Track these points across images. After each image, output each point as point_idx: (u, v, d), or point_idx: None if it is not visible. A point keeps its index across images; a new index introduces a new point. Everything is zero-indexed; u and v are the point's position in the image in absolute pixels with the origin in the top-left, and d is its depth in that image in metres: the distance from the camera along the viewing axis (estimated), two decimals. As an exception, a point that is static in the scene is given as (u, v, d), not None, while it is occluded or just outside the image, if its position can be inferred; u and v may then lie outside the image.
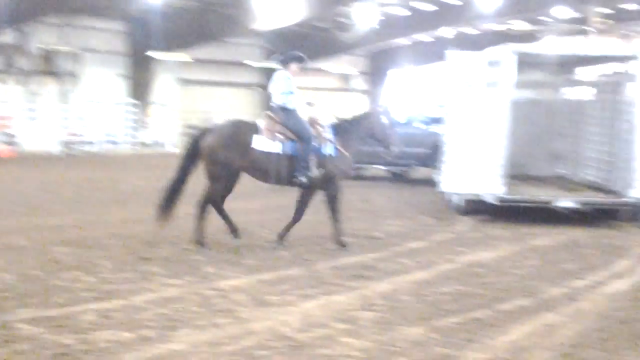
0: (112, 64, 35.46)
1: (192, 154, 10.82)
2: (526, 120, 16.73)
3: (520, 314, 7.39)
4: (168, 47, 35.40)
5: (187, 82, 39.31)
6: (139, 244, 10.72)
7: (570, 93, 17.36)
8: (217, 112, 38.42)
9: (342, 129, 11.16)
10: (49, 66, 32.96)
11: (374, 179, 21.61)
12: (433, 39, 43.35)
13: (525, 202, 13.68)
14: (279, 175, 10.73)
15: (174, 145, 36.05)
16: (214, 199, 10.92)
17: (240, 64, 41.40)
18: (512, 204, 13.60)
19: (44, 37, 32.43)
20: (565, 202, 13.33)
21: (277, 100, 10.87)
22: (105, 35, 35.03)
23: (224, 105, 40.12)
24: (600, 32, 37.96)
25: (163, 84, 37.75)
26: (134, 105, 35.08)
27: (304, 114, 10.99)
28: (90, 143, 32.84)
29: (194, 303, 7.57)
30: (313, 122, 10.96)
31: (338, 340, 6.44)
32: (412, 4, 35.23)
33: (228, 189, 11.03)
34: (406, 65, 48.69)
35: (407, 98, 40.24)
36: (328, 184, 10.87)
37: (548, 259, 10.31)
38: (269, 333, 6.61)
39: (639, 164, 13.15)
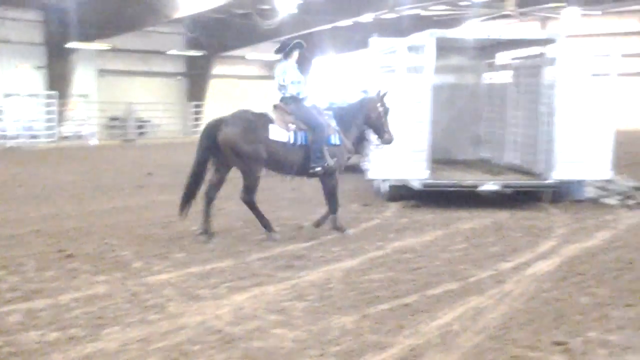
0: (29, 55, 34.51)
1: (208, 146, 10.71)
2: (449, 105, 16.95)
3: (449, 298, 7.49)
4: (87, 37, 34.64)
5: (107, 72, 38.58)
6: (64, 240, 10.49)
7: (492, 77, 17.64)
8: (139, 102, 37.89)
9: (340, 116, 11.21)
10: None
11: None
12: (355, 25, 43.44)
13: (450, 186, 13.86)
14: (294, 166, 10.82)
15: (96, 137, 35.41)
16: (254, 190, 10.94)
17: (162, 53, 40.84)
18: (437, 188, 13.77)
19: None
20: (490, 185, 13.56)
21: (290, 90, 10.92)
22: (20, 26, 34.05)
23: (147, 95, 39.54)
24: (519, 15, 38.68)
25: (82, 75, 36.95)
26: (53, 97, 34.24)
27: (310, 103, 11.09)
28: (9, 137, 31.96)
29: (123, 299, 7.45)
30: (318, 111, 11.05)
31: (271, 332, 6.42)
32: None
33: (221, 180, 11.08)
34: (330, 52, 48.73)
35: (332, 85, 40.32)
36: (328, 175, 10.98)
37: (474, 243, 10.47)
38: (201, 327, 6.55)
39: (559, 147, 13.46)
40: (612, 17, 48.42)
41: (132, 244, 10.26)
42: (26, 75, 34.63)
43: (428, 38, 13.52)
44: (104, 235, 10.90)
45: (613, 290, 7.80)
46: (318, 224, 11.42)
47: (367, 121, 11.33)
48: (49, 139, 33.10)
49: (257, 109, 11.31)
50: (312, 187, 16.96)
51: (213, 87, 43.11)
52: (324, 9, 38.30)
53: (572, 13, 41.26)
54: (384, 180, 14.50)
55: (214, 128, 10.66)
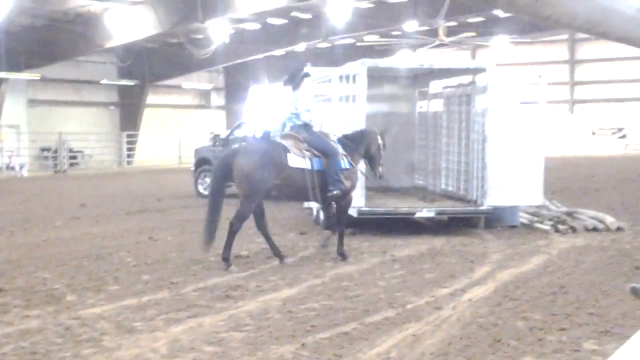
0: (-43, 85, 33.80)
1: (224, 176, 10.94)
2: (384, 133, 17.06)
3: (387, 326, 7.50)
4: (16, 67, 34.10)
5: (38, 102, 37.99)
6: (-7, 274, 10.20)
7: (425, 105, 17.87)
8: (71, 132, 37.32)
9: (345, 144, 11.59)
10: None
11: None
12: (289, 54, 43.70)
13: (386, 214, 13.94)
14: (311, 191, 11.03)
15: (26, 169, 34.72)
16: (246, 217, 11.15)
17: (94, 83, 40.39)
18: (373, 216, 13.83)
19: None
20: (425, 212, 13.67)
21: (304, 118, 11.31)
22: (-52, 56, 33.36)
23: (79, 125, 38.98)
24: (450, 45, 39.37)
25: (12, 105, 36.28)
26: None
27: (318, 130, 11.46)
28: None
29: (56, 334, 7.28)
30: (327, 138, 11.41)
31: (208, 364, 6.33)
32: (262, 18, 35.32)
33: (260, 207, 11.27)
34: (265, 80, 48.88)
35: (267, 113, 40.35)
36: (342, 197, 11.33)
37: (411, 270, 10.52)
38: (137, 361, 6.43)
39: (492, 173, 13.67)
40: (539, 46, 49.70)
41: (64, 277, 10.05)
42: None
43: (360, 67, 13.65)
44: (35, 269, 10.66)
45: (547, 314, 7.91)
46: (324, 245, 11.86)
47: (367, 152, 11.84)
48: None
49: (271, 139, 11.69)
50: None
51: (147, 117, 42.75)
52: (257, 39, 38.46)
53: (501, 42, 42.23)
54: (320, 209, 14.50)
55: (230, 158, 10.91)
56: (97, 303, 8.58)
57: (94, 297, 8.89)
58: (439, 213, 13.98)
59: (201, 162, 21.97)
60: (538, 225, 14.26)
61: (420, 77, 17.39)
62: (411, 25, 34.96)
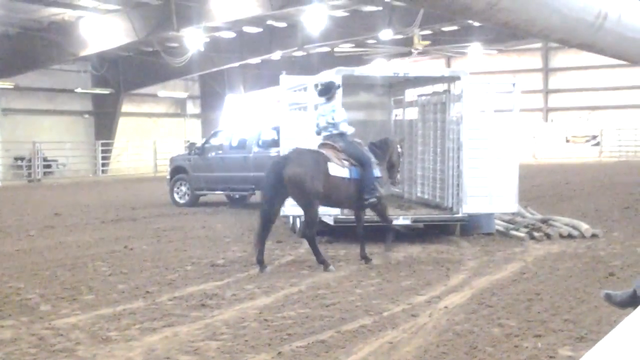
0: None
1: (275, 184, 11.10)
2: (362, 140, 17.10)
3: (364, 334, 7.50)
4: (-11, 76, 33.83)
5: (11, 111, 37.61)
6: (-34, 285, 10.08)
7: (400, 113, 17.93)
8: (45, 141, 37.02)
9: (375, 152, 12.09)
10: None
11: (213, 205, 21.45)
12: (264, 63, 43.71)
13: (363, 221, 13.92)
14: (352, 199, 11.58)
15: (0, 178, 34.42)
16: (315, 225, 11.48)
17: (69, 91, 40.12)
18: (350, 224, 13.81)
19: None
20: (401, 220, 13.69)
21: (342, 128, 11.71)
22: None
23: (53, 134, 38.67)
24: (425, 54, 39.57)
25: (-15, 114, 35.98)
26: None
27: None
28: None
29: (30, 344, 7.22)
30: (361, 146, 11.90)
31: (184, 374, 6.29)
32: (237, 27, 35.30)
33: (276, 215, 11.59)
34: (241, 89, 48.83)
35: (244, 122, 40.32)
36: (378, 203, 11.82)
37: (388, 277, 10.53)
38: (112, 371, 6.38)
39: (467, 181, 13.73)
40: (513, 54, 50.07)
41: (38, 287, 9.96)
42: None
43: (335, 75, 13.68)
44: (9, 278, 10.56)
45: (523, 321, 7.94)
46: (388, 249, 12.07)
47: (389, 160, 12.36)
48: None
49: (309, 147, 12.03)
50: (223, 224, 16.87)
51: (122, 126, 42.52)
52: (232, 47, 38.42)
53: (475, 51, 42.49)
54: (296, 217, 14.49)
55: (279, 166, 11.15)
56: (71, 313, 8.51)
57: (68, 306, 8.83)
58: (415, 221, 14.01)
59: (177, 171, 21.88)
60: (513, 232, 14.33)
61: (396, 86, 17.45)
62: (386, 34, 35.09)
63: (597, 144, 47.95)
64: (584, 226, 14.22)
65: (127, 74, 41.32)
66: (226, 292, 9.54)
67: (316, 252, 11.25)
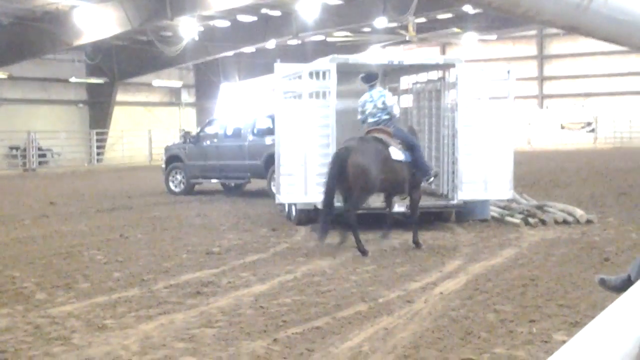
0: None
1: (340, 173, 11.22)
2: (354, 129, 17.10)
3: (359, 320, 7.51)
4: (-17, 66, 33.74)
5: (5, 101, 37.55)
6: (-39, 274, 10.07)
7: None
8: (40, 131, 36.96)
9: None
10: None
11: (208, 193, 21.46)
12: (259, 51, 43.60)
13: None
14: (406, 182, 11.76)
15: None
16: (358, 209, 11.66)
17: (63, 81, 40.03)
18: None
19: None
20: (397, 207, 13.68)
21: (394, 111, 12.12)
22: None
23: (48, 123, 38.60)
24: (420, 41, 39.51)
25: (-21, 104, 35.89)
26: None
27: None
28: None
29: (26, 333, 7.22)
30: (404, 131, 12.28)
31: (180, 361, 6.31)
32: (232, 15, 35.20)
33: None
34: (235, 78, 48.75)
35: (239, 110, 40.26)
36: (416, 189, 12.08)
37: (383, 264, 10.55)
38: (107, 358, 6.39)
39: (463, 168, 13.74)
40: (508, 42, 50.03)
41: (34, 275, 9.96)
42: None
43: (330, 63, 13.66)
44: (4, 267, 10.56)
45: (518, 306, 7.97)
46: (386, 235, 12.22)
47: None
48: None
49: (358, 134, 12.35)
50: (219, 212, 16.88)
51: (117, 115, 42.46)
52: (226, 36, 38.33)
53: (470, 39, 42.46)
54: (292, 205, 14.50)
55: (343, 157, 11.24)
56: (67, 301, 8.51)
57: (63, 295, 8.83)
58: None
59: (172, 160, 21.88)
60: (509, 218, 14.36)
61: (390, 73, 17.42)
62: (381, 22, 35.04)
63: (592, 130, 48.03)
64: (579, 212, 14.25)
65: (121, 63, 41.23)
66: (222, 280, 9.55)
67: (357, 237, 11.32)
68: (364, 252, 11.17)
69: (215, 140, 21.06)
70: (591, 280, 8.72)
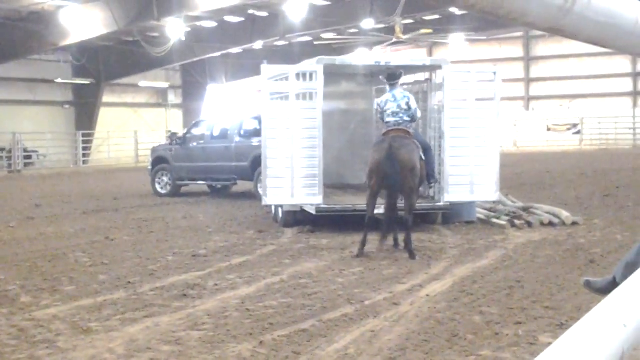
0: None
1: (387, 172, 11.11)
2: (341, 131, 17.14)
3: (346, 322, 7.51)
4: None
5: (-10, 102, 37.34)
6: (-55, 277, 10.00)
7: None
8: (25, 132, 36.76)
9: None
10: None
11: (194, 195, 21.41)
12: (246, 52, 43.54)
13: (344, 211, 13.95)
14: (422, 183, 11.98)
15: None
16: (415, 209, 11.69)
17: (49, 82, 39.83)
18: (331, 213, 13.84)
19: None
20: (382, 209, 13.66)
21: (418, 114, 12.05)
22: None
23: (33, 125, 38.37)
24: (407, 42, 39.54)
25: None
26: None
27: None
28: None
29: (10, 336, 7.18)
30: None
31: (165, 364, 6.28)
32: (219, 16, 35.14)
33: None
34: (222, 79, 48.66)
35: (226, 112, 40.21)
36: (417, 192, 12.01)
37: (369, 266, 10.54)
38: (93, 362, 6.35)
39: (449, 170, 13.75)
40: (495, 43, 50.15)
41: (19, 278, 9.90)
42: None
43: (316, 65, 13.65)
44: (-12, 270, 10.48)
45: (504, 308, 7.98)
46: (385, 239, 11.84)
47: None
48: None
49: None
50: (205, 214, 16.84)
51: (103, 116, 42.29)
52: (213, 37, 38.25)
53: (457, 40, 42.55)
54: (278, 206, 14.48)
55: (390, 154, 11.06)
56: (52, 304, 8.47)
57: (49, 297, 8.78)
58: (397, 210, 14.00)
59: (158, 161, 21.81)
60: (495, 220, 14.38)
61: (377, 75, 17.41)
62: (368, 23, 35.06)
63: (578, 132, 48.18)
64: (565, 214, 14.29)
65: (107, 64, 41.07)
66: (208, 282, 9.52)
67: (410, 239, 11.23)
68: (412, 254, 11.07)
69: (202, 141, 21.02)
70: (577, 282, 8.73)
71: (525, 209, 14.98)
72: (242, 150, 19.71)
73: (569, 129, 48.56)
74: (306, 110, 13.55)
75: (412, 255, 11.01)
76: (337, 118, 16.94)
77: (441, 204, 13.93)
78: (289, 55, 40.59)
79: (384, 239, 11.51)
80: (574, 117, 48.22)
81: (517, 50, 51.01)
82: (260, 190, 15.15)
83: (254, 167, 18.63)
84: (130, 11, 30.43)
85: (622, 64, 46.24)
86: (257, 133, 18.33)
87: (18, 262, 11.17)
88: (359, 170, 17.33)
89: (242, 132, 20.15)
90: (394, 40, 34.52)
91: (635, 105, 46.63)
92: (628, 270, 5.61)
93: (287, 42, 42.02)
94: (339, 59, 15.77)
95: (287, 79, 13.68)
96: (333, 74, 15.27)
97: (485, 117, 14.00)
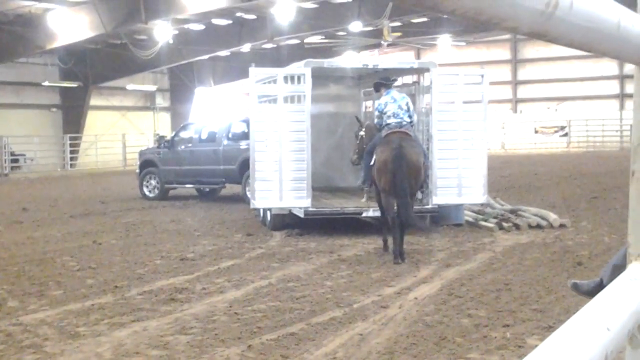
0: None
1: (397, 170, 10.98)
2: (330, 133, 17.15)
3: (334, 326, 7.50)
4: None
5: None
6: None
7: (370, 105, 17.92)
8: (12, 135, 36.61)
9: None
10: None
11: (182, 198, 21.36)
12: (233, 55, 43.52)
13: (332, 214, 13.96)
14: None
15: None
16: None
17: (35, 85, 39.68)
18: (320, 216, 13.84)
19: None
20: (372, 212, 13.70)
21: (415, 118, 12.23)
22: None
23: (20, 128, 38.20)
24: (394, 45, 39.63)
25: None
26: None
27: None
28: None
29: (-4, 341, 7.13)
30: None
31: (153, 368, 6.26)
32: (206, 19, 35.12)
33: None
34: (210, 82, 48.60)
35: (214, 115, 40.15)
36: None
37: (358, 269, 10.54)
38: (80, 367, 6.32)
39: (437, 172, 13.75)
40: (481, 46, 50.31)
41: (5, 282, 9.86)
42: None
43: (304, 68, 13.65)
44: (-25, 275, 10.42)
45: (492, 311, 8.00)
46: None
47: None
48: None
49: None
50: (193, 218, 16.80)
51: (91, 119, 42.16)
52: (201, 40, 38.21)
53: (444, 43, 42.65)
54: (267, 210, 14.46)
55: (401, 155, 10.98)
56: (39, 308, 8.43)
57: (36, 302, 8.74)
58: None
59: (146, 165, 21.76)
60: (483, 223, 14.41)
61: (366, 77, 17.45)
62: (356, 26, 35.11)
63: (566, 134, 48.38)
64: (552, 216, 14.33)
65: (95, 67, 40.95)
66: (196, 286, 9.50)
67: (402, 239, 11.19)
68: (400, 256, 11.01)
69: (190, 144, 20.98)
70: (564, 284, 8.76)
71: (513, 212, 15.02)
72: (230, 154, 19.68)
73: (556, 131, 48.75)
74: (294, 113, 13.55)
75: (402, 258, 10.99)
76: (326, 121, 16.96)
77: (429, 206, 13.94)
78: (277, 58, 40.62)
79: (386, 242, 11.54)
80: (562, 119, 48.41)
81: (504, 52, 51.18)
82: (249, 194, 15.15)
83: (242, 170, 18.60)
84: (117, 14, 30.37)
85: (609, 66, 46.44)
86: (245, 136, 18.31)
87: (5, 266, 11.11)
88: (347, 173, 17.36)
89: (230, 135, 20.11)
90: (382, 42, 34.59)
91: (622, 107, 46.84)
92: (615, 273, 5.63)
93: (275, 45, 42.03)
94: (327, 62, 15.77)
95: (275, 81, 13.68)
96: (321, 77, 15.27)
97: (473, 120, 14.03)
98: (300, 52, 37.37)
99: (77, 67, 40.18)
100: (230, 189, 20.84)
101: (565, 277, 9.42)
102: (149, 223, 16.09)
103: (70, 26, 30.73)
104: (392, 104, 11.86)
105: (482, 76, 14.30)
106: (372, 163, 11.56)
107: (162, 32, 33.16)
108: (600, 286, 5.89)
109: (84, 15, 30.59)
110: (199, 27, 36.91)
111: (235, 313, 8.07)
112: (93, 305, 8.52)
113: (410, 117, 11.91)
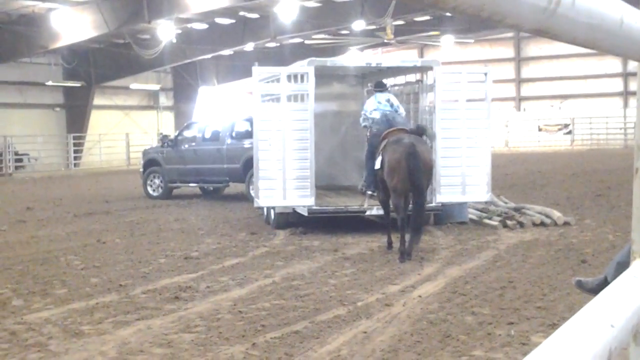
0: None
1: (412, 168, 10.94)
2: (333, 132, 17.15)
3: (338, 324, 7.51)
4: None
5: (-21, 106, 37.21)
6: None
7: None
8: (16, 135, 36.65)
9: None
10: None
11: (186, 197, 21.38)
12: (237, 54, 43.52)
13: (335, 212, 13.96)
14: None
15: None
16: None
17: (39, 85, 39.71)
18: (323, 214, 13.85)
19: None
20: (375, 210, 13.70)
21: (402, 112, 12.66)
22: None
23: (24, 128, 38.25)
24: (398, 43, 39.59)
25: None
26: None
27: None
28: None
29: (1, 339, 7.17)
30: None
31: (158, 367, 6.27)
32: (210, 18, 35.12)
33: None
34: (214, 81, 48.60)
35: (217, 114, 40.14)
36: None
37: (362, 267, 10.55)
38: (85, 365, 6.34)
39: (441, 170, 13.76)
40: (485, 44, 50.25)
41: (10, 281, 9.88)
42: None
43: (307, 66, 13.65)
44: (-21, 274, 10.45)
45: (496, 309, 7.99)
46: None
47: None
48: None
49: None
50: (197, 216, 16.82)
51: (95, 118, 42.19)
52: (204, 39, 38.22)
53: (447, 41, 42.61)
54: (270, 208, 14.47)
55: (414, 153, 10.93)
56: (43, 307, 8.45)
57: (40, 301, 8.76)
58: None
59: (150, 164, 21.79)
60: (486, 221, 14.41)
61: (369, 76, 17.45)
62: (359, 25, 35.08)
63: (569, 132, 48.31)
64: (556, 214, 14.32)
65: (98, 67, 40.98)
66: (200, 285, 9.51)
67: (418, 242, 11.21)
68: (406, 255, 10.99)
69: (194, 143, 20.99)
70: (569, 282, 8.76)
71: (517, 210, 15.01)
72: (233, 152, 19.69)
73: (560, 129, 48.69)
74: (297, 112, 13.56)
75: (409, 256, 10.98)
76: (329, 119, 16.96)
77: (433, 204, 13.93)
78: (280, 56, 40.60)
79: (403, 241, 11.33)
80: (565, 117, 48.35)
81: (508, 50, 51.11)
82: (252, 192, 15.16)
83: (245, 169, 18.61)
84: (120, 13, 30.39)
85: (613, 64, 46.39)
86: (248, 135, 18.31)
87: (10, 265, 11.13)
88: (350, 172, 17.37)
89: (233, 134, 20.12)
90: (385, 41, 34.56)
91: (626, 105, 46.75)
92: (619, 270, 5.62)
93: (278, 44, 42.02)
94: (330, 61, 15.78)
95: (278, 80, 13.69)
96: (324, 76, 15.27)
97: (477, 118, 14.03)
98: (304, 51, 37.35)
99: (80, 66, 40.19)
100: (234, 187, 20.85)
101: (569, 274, 9.42)
102: (153, 222, 16.11)
103: (74, 26, 30.74)
104: (372, 102, 12.47)
105: (486, 74, 14.30)
106: (377, 167, 11.54)
107: (165, 31, 33.16)
108: (604, 283, 5.90)
109: (87, 15, 30.61)
110: (202, 26, 36.92)
111: (240, 311, 8.08)
112: (97, 304, 8.54)
113: (392, 106, 12.34)
